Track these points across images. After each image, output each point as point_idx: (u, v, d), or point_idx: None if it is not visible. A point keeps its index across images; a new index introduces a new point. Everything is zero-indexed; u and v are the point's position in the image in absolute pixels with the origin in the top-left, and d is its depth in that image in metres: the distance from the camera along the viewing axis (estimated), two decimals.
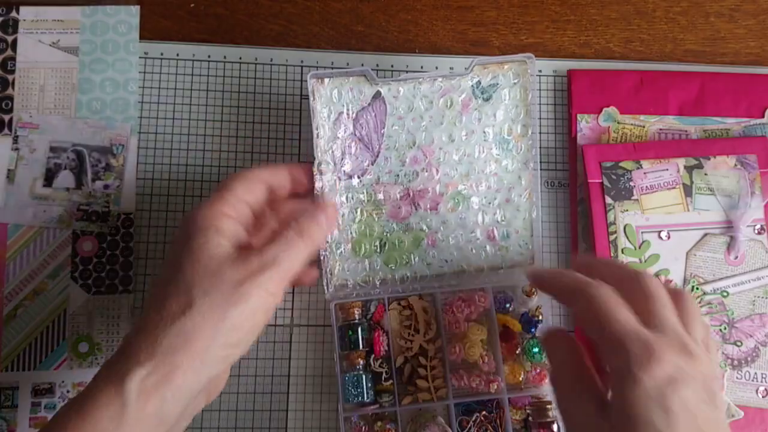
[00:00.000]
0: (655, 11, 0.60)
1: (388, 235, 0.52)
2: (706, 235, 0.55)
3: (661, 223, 0.55)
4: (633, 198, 0.55)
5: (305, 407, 0.54)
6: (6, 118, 0.55)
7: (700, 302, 0.54)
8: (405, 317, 0.53)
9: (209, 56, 0.57)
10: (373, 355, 0.52)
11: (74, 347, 0.53)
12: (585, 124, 0.57)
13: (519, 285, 0.54)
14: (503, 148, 0.53)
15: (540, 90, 0.58)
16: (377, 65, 0.58)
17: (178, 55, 0.57)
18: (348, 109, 0.51)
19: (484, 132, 0.52)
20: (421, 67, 0.58)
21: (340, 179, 0.51)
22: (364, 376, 0.51)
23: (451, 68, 0.58)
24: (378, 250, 0.52)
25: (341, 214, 0.52)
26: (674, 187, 0.55)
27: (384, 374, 0.52)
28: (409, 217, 0.53)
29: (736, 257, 0.54)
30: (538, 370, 0.52)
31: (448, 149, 0.52)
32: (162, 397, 0.38)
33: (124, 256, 0.54)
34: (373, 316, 0.53)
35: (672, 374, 0.37)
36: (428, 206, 0.52)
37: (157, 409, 0.38)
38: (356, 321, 0.52)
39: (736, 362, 0.53)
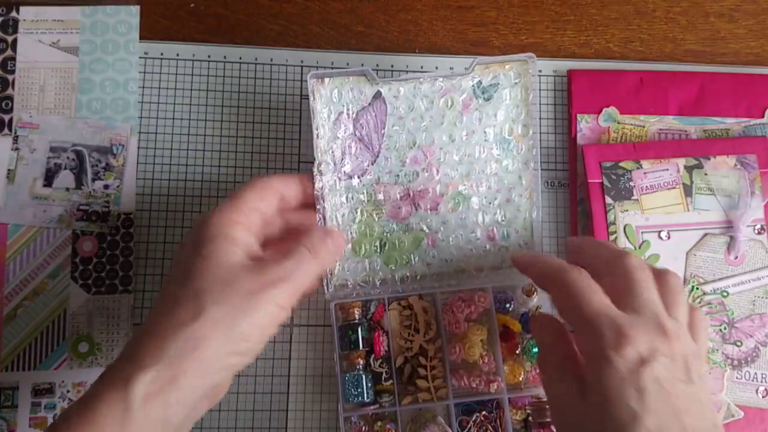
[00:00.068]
0: (655, 11, 0.60)
1: (388, 235, 0.52)
2: (706, 235, 0.55)
3: (661, 223, 0.55)
4: (633, 198, 0.55)
5: (305, 407, 0.54)
6: (6, 118, 0.55)
7: (700, 302, 0.54)
8: (405, 317, 0.53)
9: (209, 56, 0.57)
10: (373, 355, 0.52)
11: (74, 347, 0.53)
12: (585, 124, 0.57)
13: (519, 285, 0.54)
14: (504, 148, 0.53)
15: (540, 90, 0.58)
16: (377, 65, 0.58)
17: (178, 55, 0.57)
18: (348, 109, 0.51)
19: (485, 132, 0.52)
20: (421, 67, 0.58)
21: (340, 179, 0.51)
22: (364, 376, 0.51)
23: (451, 68, 0.58)
24: (378, 250, 0.52)
25: (341, 214, 0.52)
26: (674, 187, 0.55)
27: (384, 374, 0.52)
28: (409, 218, 0.52)
29: (736, 257, 0.54)
30: (538, 370, 0.52)
31: (448, 149, 0.52)
32: (167, 402, 0.38)
33: (124, 256, 0.54)
34: (373, 316, 0.53)
35: (644, 354, 0.38)
36: (428, 206, 0.52)
37: (162, 413, 0.38)
38: (356, 321, 0.52)
39: (736, 362, 0.53)
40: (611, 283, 0.42)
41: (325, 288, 0.52)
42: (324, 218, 0.49)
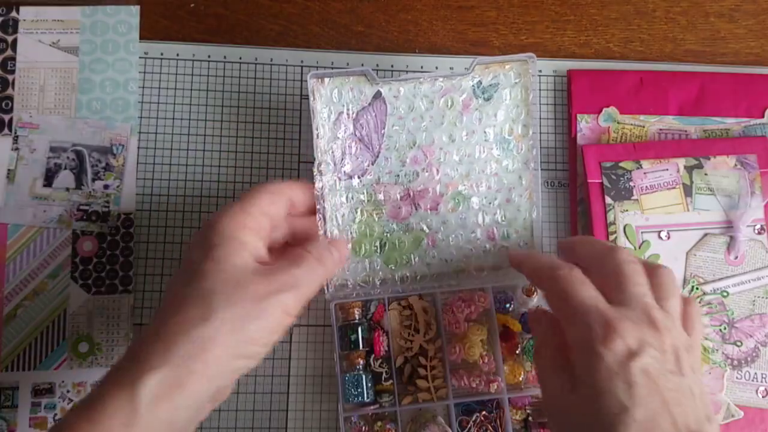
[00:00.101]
0: (655, 11, 0.60)
1: (388, 235, 0.52)
2: (706, 235, 0.55)
3: (660, 223, 0.55)
4: (633, 198, 0.55)
5: (305, 407, 0.54)
6: (6, 118, 0.55)
7: (700, 302, 0.54)
8: (405, 317, 0.53)
9: (209, 56, 0.57)
10: (373, 355, 0.52)
11: (74, 347, 0.53)
12: (585, 124, 0.57)
13: (519, 285, 0.54)
14: (504, 148, 0.53)
15: (540, 90, 0.58)
16: (377, 65, 0.58)
17: (178, 55, 0.57)
18: (348, 109, 0.51)
19: (485, 132, 0.52)
20: (421, 67, 0.58)
21: (340, 179, 0.51)
22: (364, 376, 0.51)
23: (451, 68, 0.58)
24: (378, 250, 0.52)
25: (341, 214, 0.52)
26: (674, 187, 0.55)
27: (384, 374, 0.52)
28: (409, 218, 0.52)
29: (736, 257, 0.54)
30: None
31: (448, 149, 0.52)
32: (174, 403, 0.38)
33: (124, 256, 0.54)
34: (373, 316, 0.53)
35: (633, 347, 0.38)
36: (428, 206, 0.52)
37: (169, 415, 0.38)
38: (356, 321, 0.52)
39: (736, 362, 0.53)
40: (602, 278, 0.42)
41: (325, 288, 0.52)
42: (324, 218, 0.49)
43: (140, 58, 0.56)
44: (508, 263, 0.51)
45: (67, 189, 0.54)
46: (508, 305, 0.53)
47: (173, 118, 0.56)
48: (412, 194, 0.52)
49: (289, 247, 0.47)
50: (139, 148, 0.55)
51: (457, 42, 0.59)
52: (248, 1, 0.58)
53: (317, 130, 0.50)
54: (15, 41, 0.55)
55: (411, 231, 0.53)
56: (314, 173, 0.50)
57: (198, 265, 0.41)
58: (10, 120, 0.55)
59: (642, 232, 0.55)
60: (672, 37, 0.60)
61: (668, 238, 0.55)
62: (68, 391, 0.52)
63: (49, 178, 0.54)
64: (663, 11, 0.60)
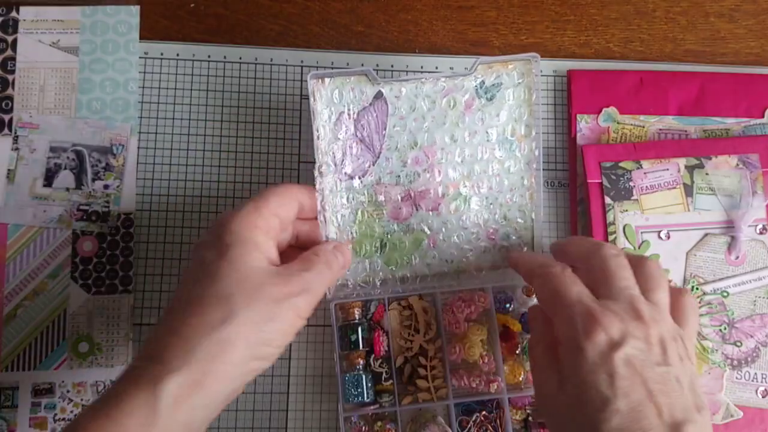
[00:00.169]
0: (655, 11, 0.60)
1: (389, 236, 0.52)
2: (706, 235, 0.55)
3: (660, 223, 0.55)
4: (632, 198, 0.55)
5: (305, 407, 0.54)
6: (6, 118, 0.55)
7: (700, 302, 0.54)
8: (405, 317, 0.53)
9: (209, 56, 0.57)
10: (373, 355, 0.52)
11: (74, 347, 0.53)
12: (585, 124, 0.57)
13: (519, 285, 0.54)
14: (506, 149, 0.52)
15: (540, 90, 0.58)
16: (377, 65, 0.58)
17: (178, 55, 0.57)
18: (349, 110, 0.51)
19: (487, 132, 0.52)
20: (421, 67, 0.58)
21: (340, 180, 0.51)
22: (364, 376, 0.51)
23: (451, 68, 0.58)
24: (378, 250, 0.52)
25: (342, 215, 0.52)
26: (675, 187, 0.55)
27: (384, 374, 0.52)
28: (410, 218, 0.52)
29: (737, 257, 0.54)
30: None
31: (450, 150, 0.52)
32: (193, 405, 0.38)
33: (124, 256, 0.54)
34: (373, 316, 0.53)
35: (615, 338, 0.39)
36: (429, 207, 0.52)
37: (187, 416, 0.38)
38: (356, 321, 0.52)
39: (736, 362, 0.53)
40: (589, 274, 0.43)
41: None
42: (324, 219, 0.49)
43: (140, 58, 0.56)
44: (508, 263, 0.51)
45: (67, 189, 0.54)
46: (508, 305, 0.53)
47: (173, 118, 0.56)
48: (413, 195, 0.52)
49: (295, 250, 0.47)
50: (139, 148, 0.55)
51: (457, 42, 0.59)
52: (248, 1, 0.58)
53: (318, 131, 0.50)
54: (15, 41, 0.55)
55: (412, 232, 0.53)
56: (315, 175, 0.50)
57: (212, 265, 0.41)
58: (10, 120, 0.55)
59: (642, 232, 0.55)
60: (672, 37, 0.60)
61: (668, 238, 0.55)
62: (68, 391, 0.52)
63: (49, 178, 0.54)
64: (663, 11, 0.60)
